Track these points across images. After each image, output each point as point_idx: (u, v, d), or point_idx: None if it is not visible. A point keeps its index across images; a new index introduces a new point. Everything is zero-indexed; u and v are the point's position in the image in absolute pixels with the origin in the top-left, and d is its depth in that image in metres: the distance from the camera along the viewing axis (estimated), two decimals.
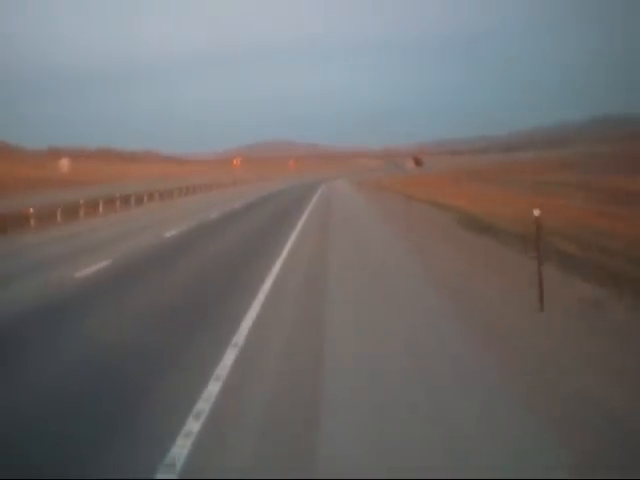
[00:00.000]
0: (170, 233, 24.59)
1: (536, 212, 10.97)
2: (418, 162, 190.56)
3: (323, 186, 73.19)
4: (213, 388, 7.21)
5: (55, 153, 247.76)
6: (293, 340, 9.30)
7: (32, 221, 31.04)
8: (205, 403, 6.76)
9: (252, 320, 10.37)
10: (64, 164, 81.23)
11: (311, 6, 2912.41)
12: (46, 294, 13.34)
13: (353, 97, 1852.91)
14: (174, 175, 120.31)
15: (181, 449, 5.68)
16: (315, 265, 16.38)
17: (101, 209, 39.67)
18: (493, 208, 30.89)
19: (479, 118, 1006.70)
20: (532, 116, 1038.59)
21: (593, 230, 22.12)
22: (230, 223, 30.23)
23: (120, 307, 11.88)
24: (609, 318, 10.05)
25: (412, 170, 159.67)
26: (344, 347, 8.82)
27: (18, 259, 20.16)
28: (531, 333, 9.36)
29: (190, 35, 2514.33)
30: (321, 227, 26.59)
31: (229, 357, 8.37)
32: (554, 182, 68.18)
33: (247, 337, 9.36)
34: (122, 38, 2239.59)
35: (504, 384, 7.21)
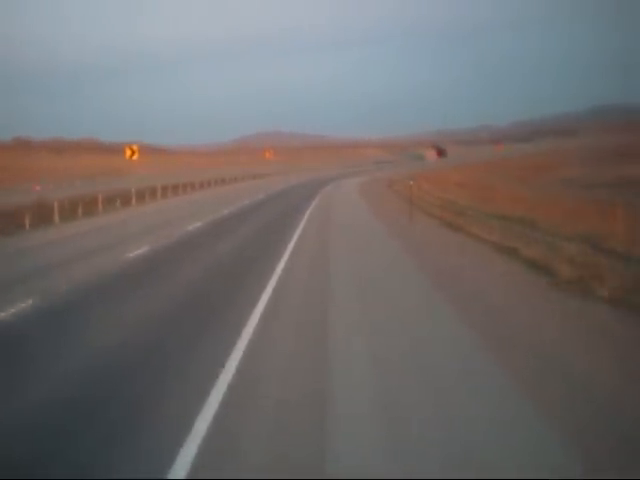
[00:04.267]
0: None
1: None
2: (441, 152, 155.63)
3: (306, 221, 28.24)
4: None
5: (22, 144, 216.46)
6: None
7: None
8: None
9: None
10: None
11: None
12: None
13: (353, 88, 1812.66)
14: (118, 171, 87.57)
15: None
16: None
17: None
18: None
19: (478, 109, 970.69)
20: (531, 106, 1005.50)
21: None
22: None
23: None
24: None
25: (434, 163, 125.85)
26: None
27: None
28: None
29: (184, 26, 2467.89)
30: None
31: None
32: None
33: None
34: (112, 30, 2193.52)
35: None
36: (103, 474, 5.50)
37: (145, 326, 10.78)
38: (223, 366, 8.14)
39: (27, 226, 27.87)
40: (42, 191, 42.18)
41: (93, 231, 27.40)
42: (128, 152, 41.49)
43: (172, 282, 14.82)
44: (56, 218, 30.52)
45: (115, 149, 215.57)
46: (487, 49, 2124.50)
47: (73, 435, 6.39)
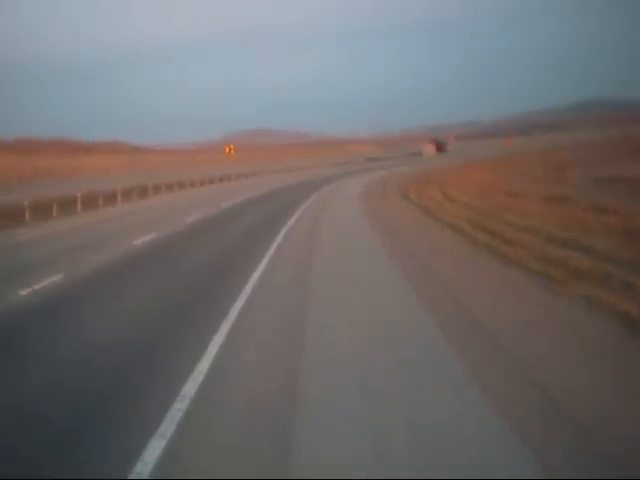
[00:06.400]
0: None
1: None
2: (440, 147, 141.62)
3: None
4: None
5: None
6: None
7: None
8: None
9: None
10: None
11: None
12: None
13: (342, 85, 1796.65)
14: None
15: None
16: None
17: None
18: None
19: (463, 104, 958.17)
20: (518, 102, 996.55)
21: None
22: None
23: None
24: None
25: (434, 159, 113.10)
26: None
27: None
28: None
29: (166, 23, 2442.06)
30: None
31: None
32: None
33: None
34: (92, 23, 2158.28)
35: None
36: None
37: None
38: None
39: None
40: None
41: None
42: None
43: None
44: None
45: (87, 148, 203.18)
46: (474, 46, 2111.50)
47: None
